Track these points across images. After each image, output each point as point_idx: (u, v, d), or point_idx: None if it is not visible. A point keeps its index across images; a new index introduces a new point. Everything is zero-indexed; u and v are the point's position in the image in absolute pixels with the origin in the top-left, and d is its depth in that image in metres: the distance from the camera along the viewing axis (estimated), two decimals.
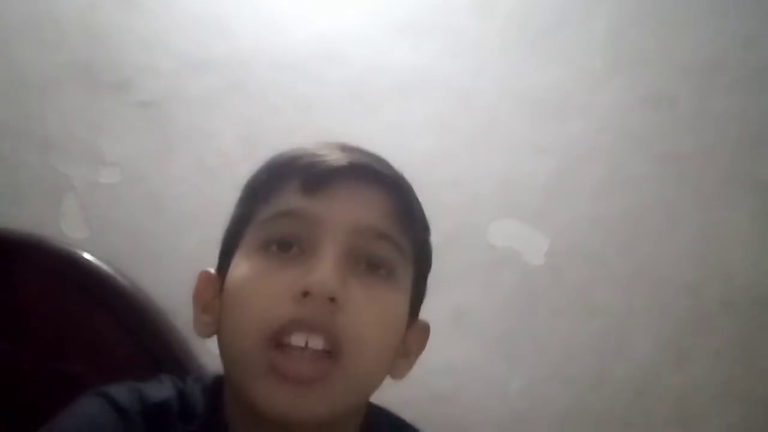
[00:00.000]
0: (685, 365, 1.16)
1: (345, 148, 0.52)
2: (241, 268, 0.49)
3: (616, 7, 1.26)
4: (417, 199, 0.54)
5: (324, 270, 0.45)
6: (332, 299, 0.44)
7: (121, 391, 0.50)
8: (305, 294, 0.44)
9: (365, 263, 0.48)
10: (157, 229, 1.14)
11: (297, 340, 0.44)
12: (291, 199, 0.49)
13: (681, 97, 1.24)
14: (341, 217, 0.48)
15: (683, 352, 1.17)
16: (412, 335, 0.55)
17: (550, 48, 1.24)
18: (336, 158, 0.49)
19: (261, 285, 0.47)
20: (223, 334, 0.49)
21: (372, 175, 0.50)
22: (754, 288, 1.19)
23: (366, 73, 1.21)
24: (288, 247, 0.48)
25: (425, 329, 0.57)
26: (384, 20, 1.22)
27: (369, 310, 0.47)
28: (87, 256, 1.04)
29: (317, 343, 0.44)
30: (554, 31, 1.24)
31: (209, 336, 0.52)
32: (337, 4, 1.22)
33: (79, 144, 1.16)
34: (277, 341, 0.45)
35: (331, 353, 0.45)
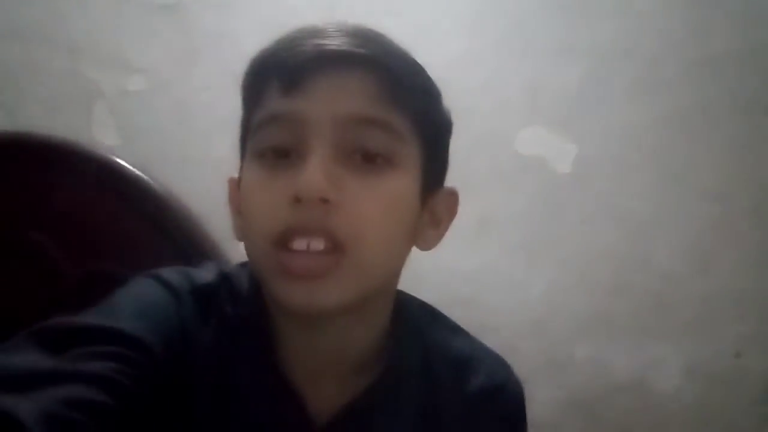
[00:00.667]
0: (707, 273, 1.17)
1: (319, 34, 0.48)
2: (246, 176, 0.50)
3: None
4: (413, 68, 0.51)
5: (311, 172, 0.44)
6: (324, 200, 0.44)
7: (171, 273, 0.53)
8: (297, 199, 0.45)
9: (359, 154, 0.47)
10: (187, 135, 1.15)
11: (299, 245, 0.45)
12: (273, 102, 0.48)
13: None
14: (323, 111, 0.46)
15: (706, 260, 1.17)
16: (440, 204, 0.54)
17: None
18: (308, 49, 0.47)
19: (260, 193, 0.48)
20: (244, 238, 0.51)
21: (347, 59, 0.47)
22: None
23: None
24: (284, 153, 0.47)
25: (453, 195, 0.56)
26: None
27: (368, 203, 0.46)
28: (121, 161, 1.06)
29: (318, 245, 0.45)
30: None
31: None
32: None
33: (106, 50, 1.16)
34: (282, 244, 0.46)
35: (335, 250, 0.46)
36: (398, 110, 0.48)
